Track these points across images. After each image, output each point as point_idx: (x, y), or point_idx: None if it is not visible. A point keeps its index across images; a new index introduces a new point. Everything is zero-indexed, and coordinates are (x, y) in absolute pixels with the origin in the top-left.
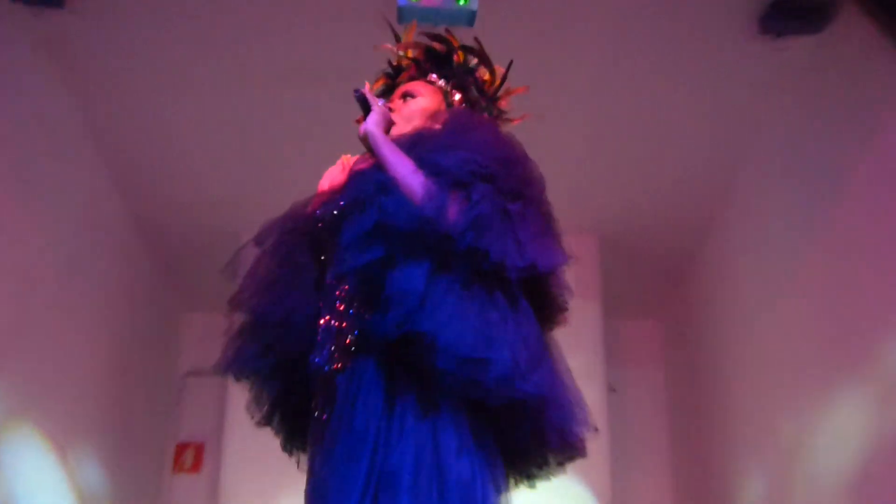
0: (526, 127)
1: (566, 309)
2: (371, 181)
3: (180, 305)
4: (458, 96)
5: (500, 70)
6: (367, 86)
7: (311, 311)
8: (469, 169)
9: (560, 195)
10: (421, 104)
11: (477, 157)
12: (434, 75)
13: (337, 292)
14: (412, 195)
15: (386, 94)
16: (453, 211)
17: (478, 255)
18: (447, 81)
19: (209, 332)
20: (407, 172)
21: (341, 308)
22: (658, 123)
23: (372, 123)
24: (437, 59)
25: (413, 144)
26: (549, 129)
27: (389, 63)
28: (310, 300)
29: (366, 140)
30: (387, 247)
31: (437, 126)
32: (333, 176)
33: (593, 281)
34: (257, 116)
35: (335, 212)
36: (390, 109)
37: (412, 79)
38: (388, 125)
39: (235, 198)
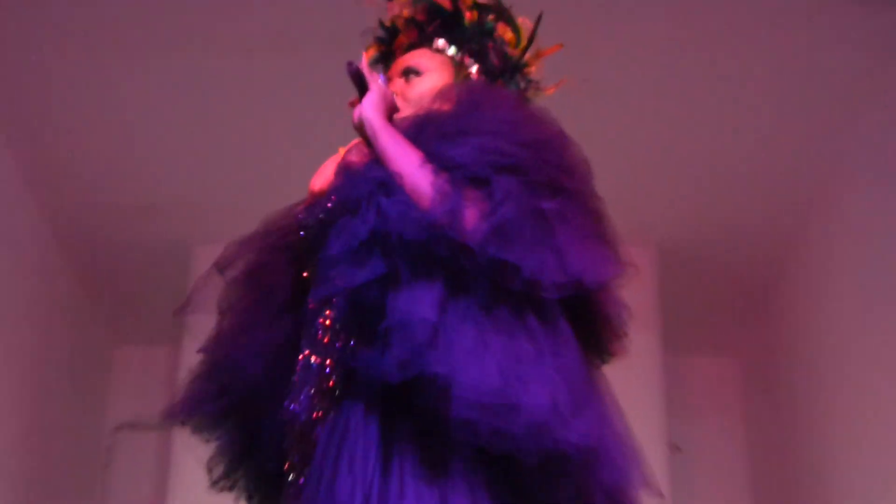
0: (567, 109)
1: (624, 334)
2: (367, 178)
3: (111, 337)
4: (475, 68)
5: (526, 25)
6: (365, 58)
7: (281, 341)
8: (488, 159)
9: (609, 197)
10: (429, 84)
11: (497, 142)
12: (441, 41)
13: (320, 320)
14: (419, 196)
15: (381, 64)
16: (471, 215)
17: (505, 271)
18: (459, 49)
19: (148, 370)
20: (413, 167)
21: (325, 340)
22: (734, 112)
23: (369, 107)
24: (444, 19)
25: (418, 131)
26: (596, 113)
27: (381, 24)
28: (278, 329)
29: (361, 128)
30: (387, 262)
31: (445, 105)
32: (329, 174)
33: (650, 306)
34: (216, 94)
35: (321, 216)
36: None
37: (413, 46)
38: (391, 109)
39: (186, 200)
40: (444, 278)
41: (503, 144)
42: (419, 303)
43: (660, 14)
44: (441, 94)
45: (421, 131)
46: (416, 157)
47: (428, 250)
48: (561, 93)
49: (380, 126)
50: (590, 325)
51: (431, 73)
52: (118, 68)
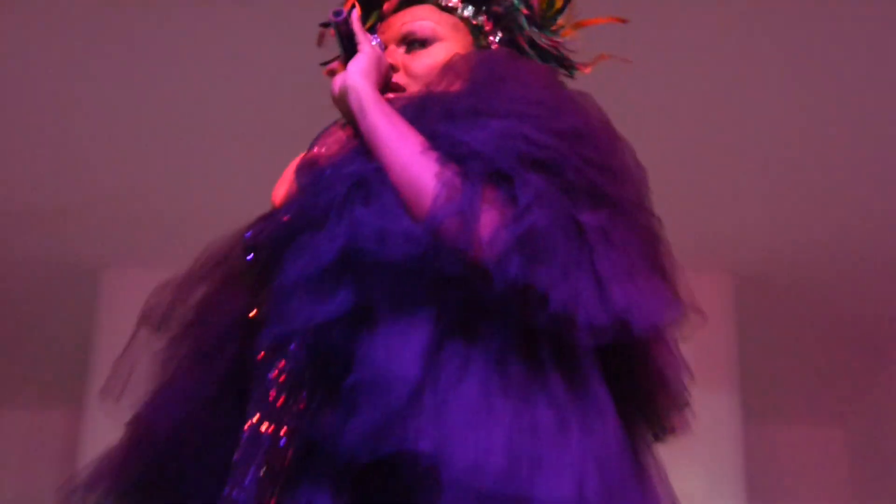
0: (624, 110)
1: (685, 403)
2: (340, 175)
3: None
4: (497, 36)
5: None
6: (357, 9)
7: (226, 406)
8: (513, 148)
9: (671, 211)
10: (440, 55)
11: (526, 127)
12: None
13: (272, 374)
14: (418, 194)
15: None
16: (489, 220)
17: (527, 301)
18: (478, 8)
19: (37, 438)
20: (411, 154)
21: (279, 402)
22: (837, 118)
23: (356, 72)
24: None
25: (421, 109)
26: (661, 114)
27: None
28: (220, 389)
29: (343, 100)
30: (360, 292)
31: (457, 83)
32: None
33: (726, 355)
34: (134, 70)
35: (275, 233)
36: (392, 67)
37: (411, 1)
38: (384, 80)
39: (93, 204)
40: (436, 314)
41: (533, 131)
42: (399, 351)
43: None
44: (450, 67)
45: (424, 109)
46: (415, 141)
47: (417, 275)
48: (616, 85)
49: (369, 98)
50: (636, 388)
51: (442, 42)
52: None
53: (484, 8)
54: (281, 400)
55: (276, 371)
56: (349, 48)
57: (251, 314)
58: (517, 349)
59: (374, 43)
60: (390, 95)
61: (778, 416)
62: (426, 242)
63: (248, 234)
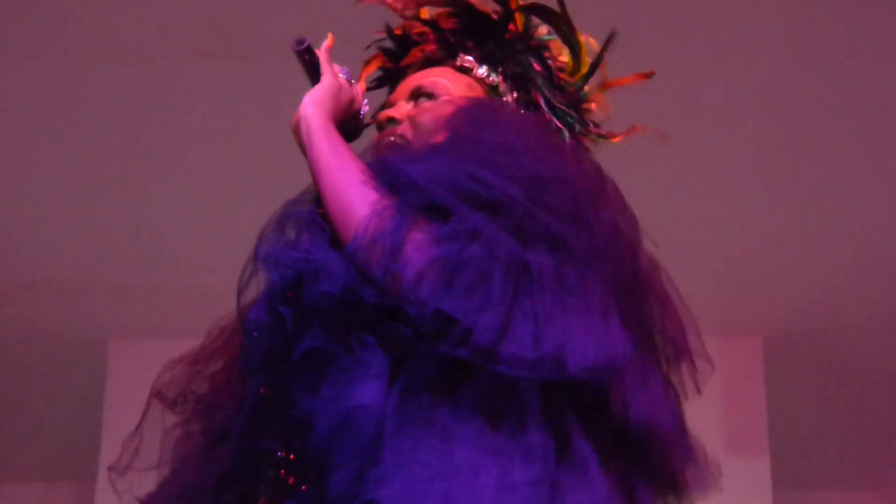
0: (642, 167)
1: (693, 459)
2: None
3: None
4: (513, 96)
5: (589, 44)
6: (330, 39)
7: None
8: (457, 184)
9: (701, 279)
10: (449, 110)
11: (479, 168)
12: (470, 58)
13: (280, 453)
14: (347, 222)
15: (384, 86)
16: (415, 248)
17: (449, 332)
18: (493, 68)
19: None
20: (347, 184)
21: (290, 481)
22: (866, 175)
23: (310, 102)
24: (478, 26)
25: (385, 146)
26: (684, 174)
27: (388, 31)
28: (223, 480)
29: (297, 130)
30: (293, 328)
31: (442, 122)
32: None
33: (754, 419)
34: (138, 136)
35: (278, 308)
36: (393, 120)
37: (430, 63)
38: (343, 111)
39: (100, 276)
40: (386, 353)
41: (484, 173)
42: (358, 392)
43: (782, 45)
44: (436, 111)
45: (388, 146)
46: (355, 170)
47: (351, 310)
48: (637, 147)
49: (317, 127)
50: (627, 442)
51: (451, 98)
52: None
53: (500, 68)
54: (292, 479)
55: (283, 449)
56: (314, 79)
57: (260, 391)
58: (489, 397)
59: (340, 75)
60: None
61: (810, 481)
62: (346, 275)
63: (250, 317)
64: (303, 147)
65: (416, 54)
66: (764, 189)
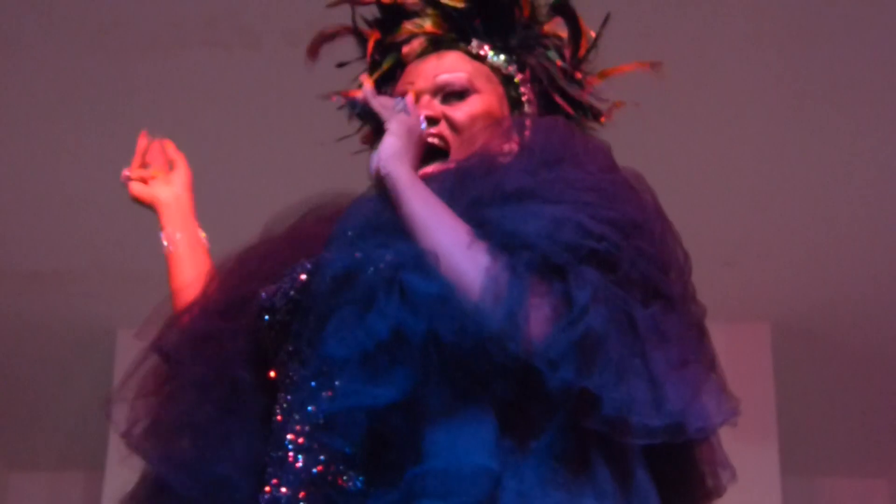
0: (657, 158)
1: (714, 495)
2: (384, 234)
3: (4, 462)
4: (528, 86)
5: (587, 33)
6: (370, 85)
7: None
8: (567, 237)
9: (710, 266)
10: (477, 108)
11: (581, 215)
12: (487, 46)
13: (290, 435)
14: (463, 287)
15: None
16: (539, 320)
17: (582, 403)
18: (508, 58)
19: (58, 499)
20: (456, 246)
21: (297, 465)
22: (877, 170)
23: (388, 156)
24: (488, 11)
25: (457, 186)
26: (695, 165)
27: (380, 5)
28: (251, 453)
29: (381, 184)
30: (414, 375)
31: (502, 146)
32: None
33: (763, 406)
34: (154, 120)
35: (293, 293)
36: (432, 120)
37: (437, 45)
38: (420, 145)
39: (108, 264)
40: (494, 404)
41: (589, 221)
42: (469, 441)
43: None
44: (501, 129)
45: (461, 186)
46: (462, 232)
47: (472, 363)
48: (646, 130)
49: (405, 185)
50: (674, 476)
51: (478, 93)
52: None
53: (515, 58)
54: (300, 463)
55: (294, 434)
56: (375, 122)
57: (270, 375)
58: (566, 442)
59: (398, 108)
60: (429, 169)
61: (818, 467)
62: (475, 336)
63: (263, 295)
64: (388, 199)
65: (409, 29)
66: (772, 175)
